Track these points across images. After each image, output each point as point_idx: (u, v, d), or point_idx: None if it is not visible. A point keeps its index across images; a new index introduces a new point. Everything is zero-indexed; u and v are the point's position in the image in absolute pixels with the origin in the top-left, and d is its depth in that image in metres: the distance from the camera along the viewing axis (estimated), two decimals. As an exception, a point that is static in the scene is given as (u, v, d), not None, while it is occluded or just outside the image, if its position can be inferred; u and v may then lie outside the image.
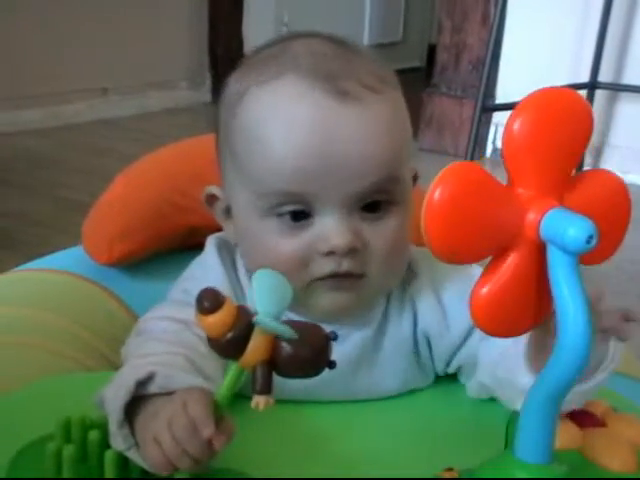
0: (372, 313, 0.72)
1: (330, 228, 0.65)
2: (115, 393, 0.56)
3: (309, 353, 0.50)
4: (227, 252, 0.73)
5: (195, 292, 0.68)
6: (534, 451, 0.53)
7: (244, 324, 0.49)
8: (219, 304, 0.48)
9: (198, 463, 0.52)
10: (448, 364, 0.73)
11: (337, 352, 0.70)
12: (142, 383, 0.56)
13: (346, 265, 0.65)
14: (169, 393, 0.55)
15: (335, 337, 0.51)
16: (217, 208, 0.73)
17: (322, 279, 0.66)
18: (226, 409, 0.53)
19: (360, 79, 0.66)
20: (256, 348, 0.49)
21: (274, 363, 0.50)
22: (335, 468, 0.63)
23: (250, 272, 0.70)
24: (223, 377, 0.53)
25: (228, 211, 0.72)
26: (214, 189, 0.72)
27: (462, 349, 0.72)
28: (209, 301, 0.48)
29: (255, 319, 0.49)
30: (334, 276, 0.66)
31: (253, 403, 0.50)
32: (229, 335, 0.48)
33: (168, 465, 0.52)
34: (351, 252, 0.65)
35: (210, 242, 0.75)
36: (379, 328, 0.72)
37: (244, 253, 0.72)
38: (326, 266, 0.65)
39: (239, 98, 0.68)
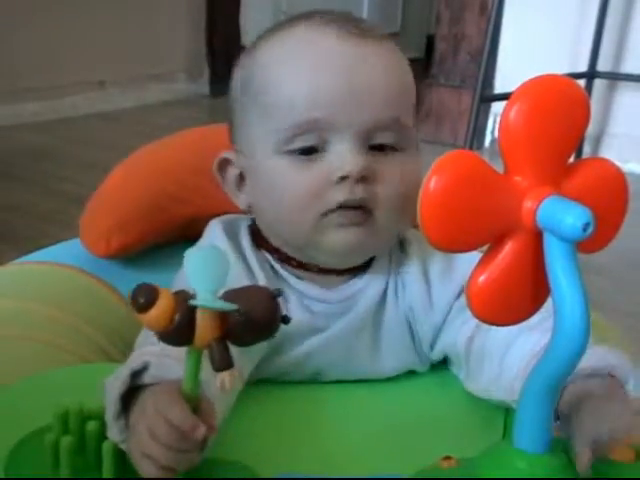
0: (373, 287, 0.73)
1: (344, 155, 0.67)
2: (112, 384, 0.56)
3: (259, 316, 0.49)
4: (232, 233, 0.74)
5: None
6: (532, 440, 0.53)
7: (185, 308, 0.48)
8: (155, 297, 0.47)
9: (196, 457, 0.52)
10: (432, 347, 0.74)
11: (340, 327, 0.71)
12: (137, 373, 0.56)
13: (359, 192, 0.67)
14: None
15: (280, 293, 0.51)
16: (229, 177, 0.74)
17: (334, 211, 0.68)
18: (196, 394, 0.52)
19: (370, 27, 0.71)
20: (205, 328, 0.48)
21: (227, 336, 0.49)
22: (332, 455, 0.63)
23: (267, 225, 0.73)
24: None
25: (240, 178, 0.74)
26: (228, 154, 0.74)
27: (443, 332, 0.73)
28: (144, 296, 0.47)
29: (192, 302, 0.48)
30: (347, 207, 0.68)
31: (218, 382, 0.49)
32: (174, 324, 0.48)
33: (166, 472, 0.52)
34: (363, 180, 0.67)
35: (215, 224, 0.76)
36: (379, 305, 0.73)
37: (261, 207, 0.73)
38: (340, 193, 0.67)
39: (251, 51, 0.73)
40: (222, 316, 0.49)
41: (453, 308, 0.72)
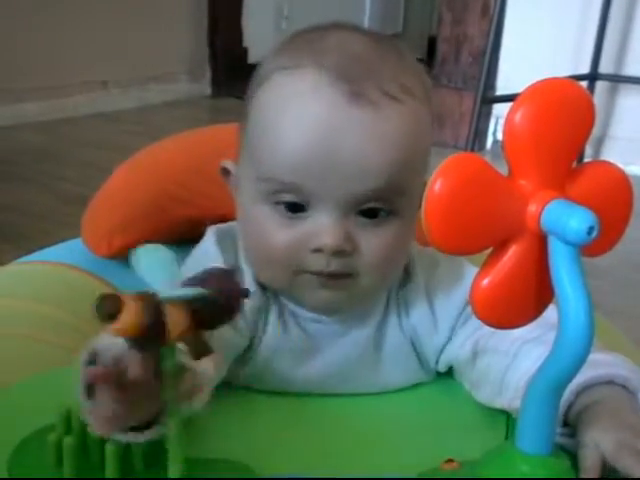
0: (371, 312, 0.72)
1: (322, 226, 0.65)
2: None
3: (222, 297, 0.49)
4: (230, 242, 0.73)
5: None
6: (535, 442, 0.53)
7: (153, 306, 0.47)
8: (120, 303, 0.46)
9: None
10: (437, 362, 0.74)
11: (339, 351, 0.71)
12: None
13: (334, 265, 0.65)
14: None
15: (236, 269, 0.51)
16: (231, 182, 0.73)
17: (312, 273, 0.66)
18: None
19: (381, 85, 0.65)
20: (176, 321, 0.47)
21: (197, 324, 0.49)
22: (334, 456, 0.63)
23: (245, 252, 0.71)
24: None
25: (237, 188, 0.72)
26: (228, 164, 0.72)
27: (447, 348, 0.72)
28: (110, 305, 0.46)
29: (162, 296, 0.47)
30: (322, 274, 0.66)
31: (201, 368, 0.49)
32: (146, 323, 0.46)
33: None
34: (339, 253, 0.65)
35: (210, 233, 0.75)
36: (379, 328, 0.72)
37: (241, 232, 0.72)
38: (314, 263, 0.65)
39: (263, 80, 0.68)
40: (188, 306, 0.48)
41: (456, 324, 0.72)
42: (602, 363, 0.61)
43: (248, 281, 0.70)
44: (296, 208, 0.65)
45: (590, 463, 0.55)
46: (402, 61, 0.69)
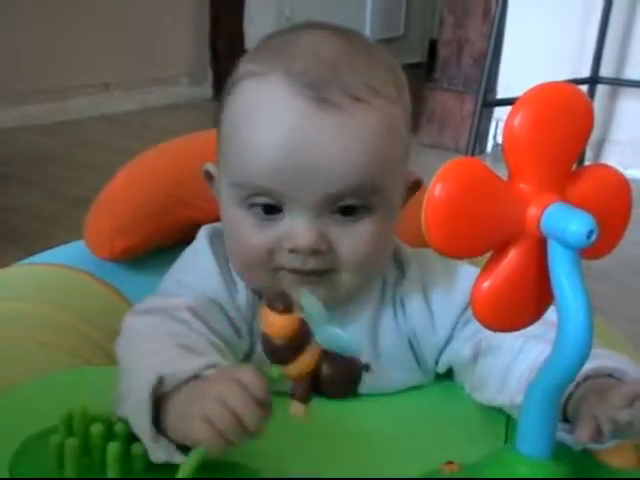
0: (362, 308, 0.73)
1: (296, 227, 0.66)
2: (136, 411, 0.55)
3: (345, 377, 0.53)
4: (219, 243, 0.74)
5: (189, 283, 0.69)
6: (534, 445, 0.54)
7: (304, 334, 0.51)
8: (289, 308, 0.50)
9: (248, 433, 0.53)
10: (437, 362, 0.74)
11: None
12: (156, 390, 0.55)
13: (311, 264, 0.67)
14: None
15: (367, 368, 0.54)
16: (213, 185, 0.75)
17: (289, 271, 0.68)
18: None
19: (348, 89, 0.66)
20: (306, 360, 0.51)
21: (314, 378, 0.52)
22: (332, 459, 0.63)
23: (228, 253, 0.72)
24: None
25: (218, 190, 0.74)
26: (211, 167, 0.74)
27: (447, 349, 0.73)
28: (282, 302, 0.50)
29: (323, 330, 0.52)
30: (300, 272, 0.67)
31: (293, 409, 0.52)
32: (289, 340, 0.50)
33: (221, 440, 0.52)
34: (315, 253, 0.66)
35: (202, 233, 0.76)
36: (373, 324, 0.73)
37: (224, 234, 0.73)
38: (291, 261, 0.67)
39: (235, 85, 0.70)
40: (318, 360, 0.52)
41: (457, 325, 0.72)
42: (601, 357, 0.61)
43: (238, 280, 0.72)
44: (271, 210, 0.67)
45: (584, 418, 0.56)
46: (372, 61, 0.70)
